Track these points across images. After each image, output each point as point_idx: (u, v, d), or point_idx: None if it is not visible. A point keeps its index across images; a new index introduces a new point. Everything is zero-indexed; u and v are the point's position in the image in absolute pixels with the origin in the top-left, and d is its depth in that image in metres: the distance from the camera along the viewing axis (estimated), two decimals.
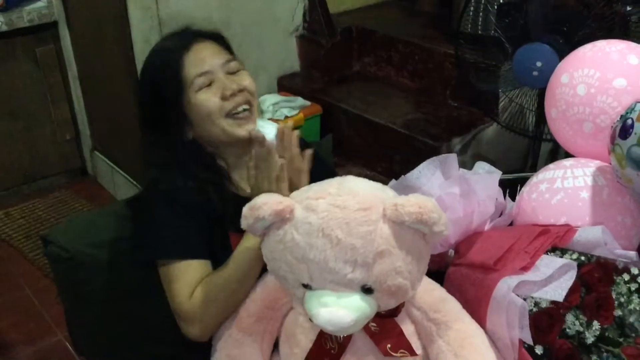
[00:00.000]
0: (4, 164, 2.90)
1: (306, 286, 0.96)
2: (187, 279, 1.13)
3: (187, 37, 1.22)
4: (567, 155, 1.43)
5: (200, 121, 1.19)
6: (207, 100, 1.18)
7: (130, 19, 2.18)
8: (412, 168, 1.27)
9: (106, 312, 1.24)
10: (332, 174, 1.35)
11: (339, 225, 0.93)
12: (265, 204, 0.96)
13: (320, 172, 1.36)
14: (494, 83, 1.87)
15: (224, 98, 1.18)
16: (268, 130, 1.21)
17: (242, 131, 1.20)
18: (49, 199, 2.96)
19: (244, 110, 1.21)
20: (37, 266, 2.51)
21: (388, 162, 2.12)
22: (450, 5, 2.42)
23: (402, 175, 1.27)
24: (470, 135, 2.05)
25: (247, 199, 1.24)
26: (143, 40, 2.15)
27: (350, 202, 0.95)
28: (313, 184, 1.04)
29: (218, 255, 1.18)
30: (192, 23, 1.27)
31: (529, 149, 1.94)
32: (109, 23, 2.39)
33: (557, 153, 2.09)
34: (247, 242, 1.11)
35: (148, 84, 1.23)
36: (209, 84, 1.19)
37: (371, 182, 1.04)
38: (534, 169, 1.87)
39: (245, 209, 0.98)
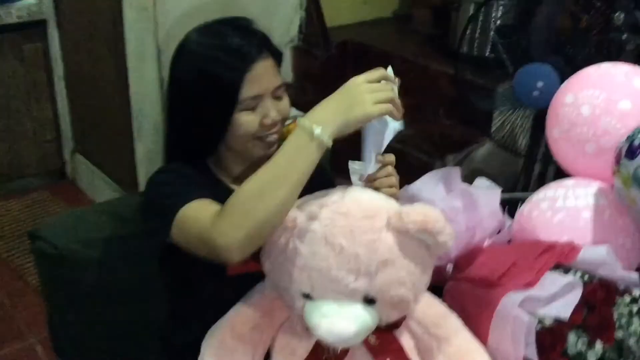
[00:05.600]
0: None
1: (307, 296, 0.93)
2: (207, 207, 1.02)
3: (252, 50, 1.10)
4: (557, 177, 1.43)
5: (233, 135, 1.14)
6: (247, 122, 1.12)
7: (124, 20, 2.14)
8: (405, 183, 1.25)
9: (91, 313, 1.20)
10: (331, 184, 1.32)
11: (342, 232, 0.91)
12: None
13: (320, 181, 1.34)
14: (491, 102, 1.88)
15: (262, 125, 1.13)
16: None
17: (261, 152, 1.16)
18: (25, 200, 2.88)
19: (274, 135, 1.16)
20: (11, 267, 2.43)
21: None
22: (445, 25, 2.43)
23: (405, 186, 1.26)
24: (463, 153, 2.05)
25: None
26: (137, 41, 2.12)
27: (354, 209, 0.93)
28: (315, 193, 1.02)
29: None
30: (243, 17, 1.17)
31: (522, 169, 1.94)
32: (102, 23, 2.35)
33: (546, 175, 2.10)
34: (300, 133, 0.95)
35: (189, 83, 1.14)
36: (255, 107, 1.12)
37: (374, 192, 1.02)
38: (527, 189, 1.87)
39: None
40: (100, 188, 2.80)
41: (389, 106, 0.95)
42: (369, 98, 0.93)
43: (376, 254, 0.89)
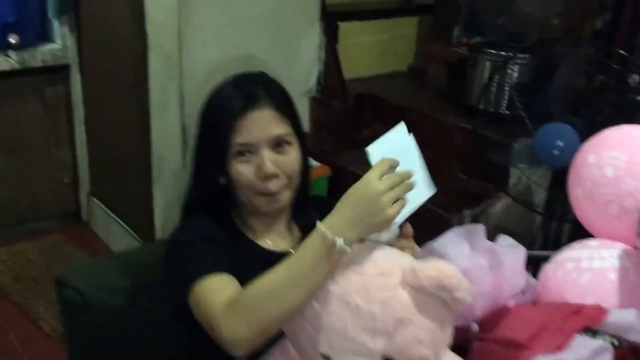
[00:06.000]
0: None
1: (326, 357, 0.92)
2: (223, 288, 1.03)
3: (248, 99, 1.15)
4: (574, 235, 1.43)
5: (234, 184, 1.17)
6: (240, 173, 1.15)
7: (149, 68, 2.19)
8: (421, 237, 1.25)
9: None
10: None
11: (357, 291, 0.90)
12: None
13: None
14: (507, 158, 1.90)
15: (258, 177, 1.14)
16: None
17: (268, 208, 1.18)
18: (39, 242, 2.88)
19: (275, 193, 1.16)
20: (23, 311, 2.41)
21: None
22: (460, 81, 2.48)
23: (427, 243, 1.26)
24: (480, 208, 2.06)
25: (270, 253, 1.22)
26: (161, 89, 2.16)
27: (369, 267, 0.93)
28: None
29: None
30: (259, 71, 1.23)
31: (540, 225, 1.95)
32: (125, 69, 2.41)
33: (561, 232, 2.10)
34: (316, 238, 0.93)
35: (202, 126, 1.21)
36: (247, 155, 1.14)
37: (388, 248, 1.01)
38: (545, 246, 1.87)
39: None
40: (115, 232, 2.81)
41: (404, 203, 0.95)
42: (387, 200, 0.92)
43: (392, 312, 0.87)
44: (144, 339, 1.20)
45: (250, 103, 1.14)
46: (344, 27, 2.59)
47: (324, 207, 1.35)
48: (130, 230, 2.67)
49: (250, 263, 1.18)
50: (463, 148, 2.21)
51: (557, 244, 1.99)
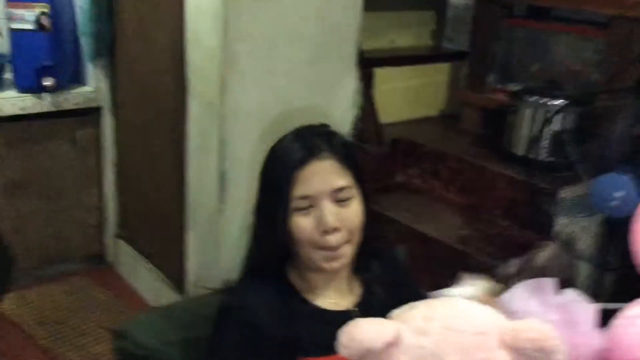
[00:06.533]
0: (27, 245, 2.81)
1: None
2: None
3: (308, 149, 1.12)
4: (622, 287, 1.39)
5: (293, 238, 1.13)
6: (300, 226, 1.10)
7: (188, 113, 2.19)
8: None
9: None
10: (415, 288, 1.29)
11: (454, 349, 0.86)
12: (370, 332, 0.89)
13: (405, 284, 1.31)
14: (555, 207, 1.87)
15: (318, 231, 1.10)
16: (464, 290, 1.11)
17: (327, 266, 1.12)
18: (65, 285, 2.84)
19: (336, 248, 1.11)
20: (48, 355, 2.36)
21: (436, 277, 2.06)
22: (498, 127, 2.47)
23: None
24: (526, 257, 2.02)
25: (330, 313, 1.18)
26: (200, 134, 2.15)
27: (466, 325, 0.89)
28: (411, 304, 0.98)
29: None
30: (321, 122, 1.20)
31: (588, 276, 1.90)
32: (162, 114, 2.41)
33: (603, 281, 2.05)
34: None
35: (262, 180, 1.18)
36: (307, 209, 1.10)
37: (481, 305, 0.98)
38: (597, 296, 1.82)
39: (345, 339, 0.90)
40: (142, 274, 2.77)
41: None
42: None
43: None
44: None
45: (310, 153, 1.11)
46: (379, 72, 2.60)
47: (388, 260, 1.32)
48: (160, 273, 2.63)
49: (309, 325, 1.13)
50: (505, 195, 2.18)
51: (603, 295, 1.94)
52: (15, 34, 2.56)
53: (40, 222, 2.82)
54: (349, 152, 1.16)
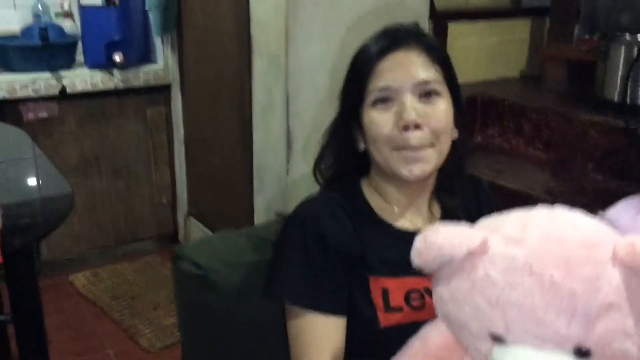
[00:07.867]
0: (100, 224, 2.83)
1: (497, 339, 0.73)
2: (317, 339, 0.94)
3: (393, 39, 1.00)
4: None
5: (368, 139, 1.02)
6: (376, 122, 0.98)
7: (252, 71, 2.12)
8: None
9: (226, 341, 1.06)
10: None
11: (555, 262, 0.70)
12: (452, 238, 0.75)
13: (490, 213, 1.16)
14: None
15: (396, 127, 0.97)
16: None
17: (406, 171, 0.98)
18: (137, 263, 2.85)
19: (417, 148, 0.97)
20: (122, 327, 2.36)
21: None
22: (584, 79, 2.26)
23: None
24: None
25: (403, 232, 1.05)
26: (265, 92, 2.07)
27: (571, 234, 0.72)
28: (505, 213, 0.83)
29: (355, 299, 0.98)
30: (409, 21, 1.08)
31: None
32: (228, 78, 2.36)
33: None
34: None
35: (346, 78, 1.07)
36: (387, 102, 0.98)
37: (591, 217, 0.80)
38: None
39: (421, 244, 0.76)
40: None
41: None
42: None
43: (598, 294, 0.68)
44: (261, 318, 1.06)
45: (395, 43, 0.99)
46: (453, 27, 2.44)
47: (477, 191, 1.16)
48: None
49: (380, 242, 1.02)
50: (599, 145, 1.97)
51: None
52: (84, 10, 2.59)
53: (113, 201, 2.84)
54: (439, 47, 1.04)
